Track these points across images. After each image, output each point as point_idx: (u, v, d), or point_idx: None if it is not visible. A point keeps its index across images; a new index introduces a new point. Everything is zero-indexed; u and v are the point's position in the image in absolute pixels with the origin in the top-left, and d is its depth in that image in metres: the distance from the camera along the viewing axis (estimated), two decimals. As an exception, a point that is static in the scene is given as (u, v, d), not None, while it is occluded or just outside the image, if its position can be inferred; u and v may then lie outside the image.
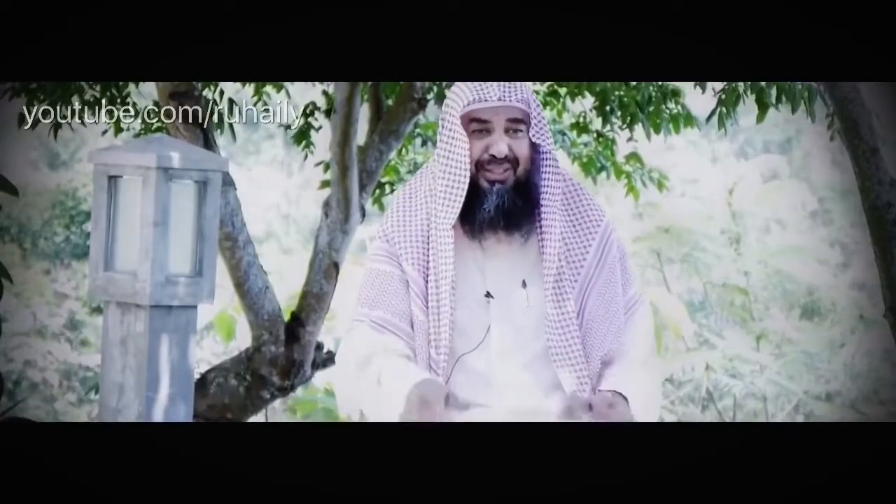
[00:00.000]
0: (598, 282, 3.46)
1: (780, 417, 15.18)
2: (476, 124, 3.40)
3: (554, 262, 3.41)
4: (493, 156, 3.39)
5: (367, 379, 3.38)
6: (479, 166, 3.40)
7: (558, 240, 3.42)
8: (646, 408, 3.42)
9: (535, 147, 3.44)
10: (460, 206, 3.39)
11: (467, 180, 3.39)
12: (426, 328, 3.41)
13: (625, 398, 3.36)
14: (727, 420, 15.50)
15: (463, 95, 3.41)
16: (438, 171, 3.42)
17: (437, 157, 3.45)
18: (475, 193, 3.39)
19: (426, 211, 3.46)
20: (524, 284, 3.43)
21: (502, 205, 3.39)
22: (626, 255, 3.55)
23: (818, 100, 6.05)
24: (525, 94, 3.42)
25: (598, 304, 3.45)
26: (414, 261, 3.44)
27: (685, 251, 15.98)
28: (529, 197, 3.42)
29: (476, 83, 3.42)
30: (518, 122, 3.40)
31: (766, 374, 14.34)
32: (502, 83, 3.42)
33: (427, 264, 3.43)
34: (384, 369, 3.35)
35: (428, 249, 3.44)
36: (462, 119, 3.41)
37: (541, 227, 3.44)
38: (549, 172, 3.44)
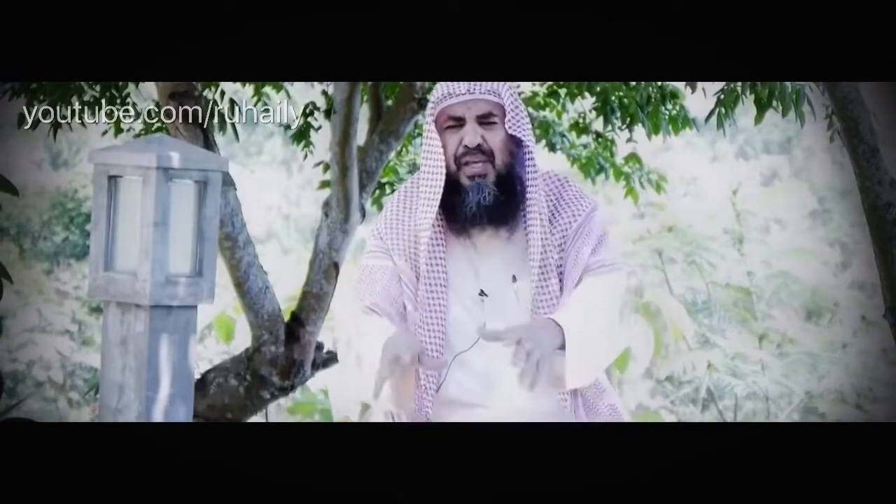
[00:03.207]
0: (573, 248, 3.44)
1: (781, 417, 15.19)
2: (450, 121, 3.43)
3: (538, 254, 3.40)
4: (467, 146, 3.40)
5: (350, 361, 3.40)
6: (458, 163, 3.42)
7: (540, 233, 3.42)
8: (583, 353, 3.32)
9: (515, 140, 3.45)
10: (437, 203, 3.41)
11: (443, 177, 3.41)
12: (415, 321, 3.42)
13: (559, 326, 3.29)
14: (728, 420, 15.51)
15: (435, 93, 3.45)
16: (420, 171, 3.46)
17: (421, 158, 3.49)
18: (456, 190, 3.41)
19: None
20: (514, 279, 3.44)
21: (484, 200, 3.40)
22: (607, 234, 3.50)
23: (806, 104, 6.04)
24: (495, 85, 3.43)
25: (567, 263, 3.43)
26: (406, 256, 3.46)
27: (688, 251, 15.99)
28: (513, 191, 3.43)
29: (448, 81, 3.45)
30: (489, 115, 3.42)
31: (767, 374, 14.34)
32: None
33: (419, 262, 3.45)
34: (362, 345, 3.36)
35: (419, 249, 3.45)
36: (438, 118, 3.44)
37: (525, 220, 3.45)
38: (530, 166, 3.45)
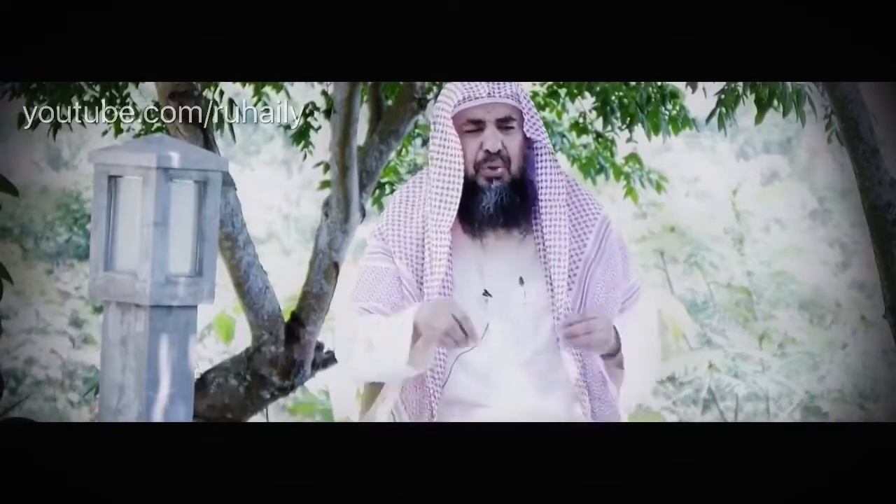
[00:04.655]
0: (598, 271, 3.47)
1: (781, 417, 15.19)
2: (469, 125, 3.41)
3: (564, 257, 3.41)
4: (488, 151, 3.40)
5: (359, 351, 3.38)
6: (476, 166, 3.41)
7: (566, 234, 3.43)
8: (638, 366, 3.41)
9: (528, 143, 3.45)
10: (456, 207, 3.40)
11: (461, 181, 3.40)
12: None
13: (616, 333, 3.37)
14: (729, 420, 15.51)
15: (453, 96, 3.42)
16: (432, 173, 3.43)
17: (430, 159, 3.46)
18: (473, 192, 3.40)
19: (422, 214, 3.46)
20: (521, 281, 3.43)
21: (501, 202, 3.39)
22: (626, 247, 3.56)
23: (807, 103, 6.05)
24: (514, 89, 3.43)
25: (598, 293, 3.46)
26: (408, 260, 3.44)
27: (689, 251, 15.99)
28: (526, 194, 3.43)
29: (465, 83, 3.44)
30: (509, 119, 3.41)
31: (768, 374, 14.34)
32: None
33: (422, 265, 3.43)
34: (371, 331, 3.35)
35: (424, 251, 3.44)
36: (455, 120, 3.41)
37: (540, 223, 3.45)
38: (546, 168, 3.44)
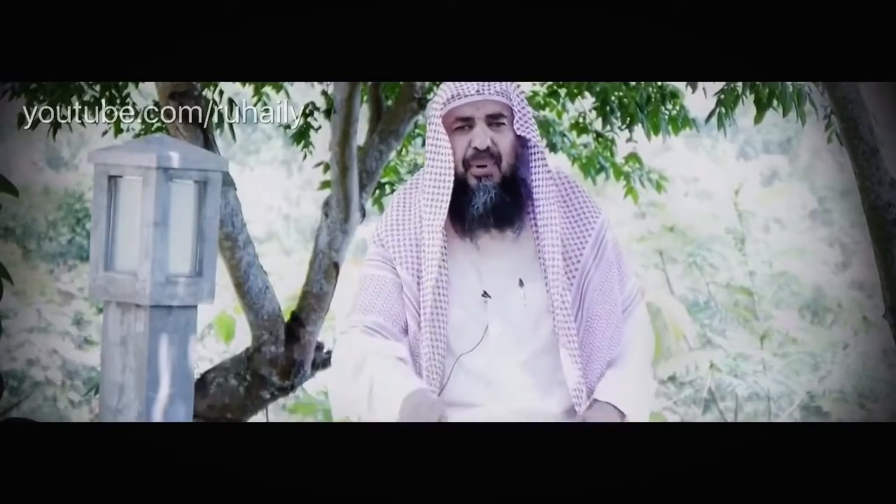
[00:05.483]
0: (596, 277, 3.46)
1: (782, 417, 15.19)
2: (459, 122, 3.41)
3: (558, 255, 3.40)
4: (476, 148, 3.39)
5: (358, 387, 3.39)
6: (466, 164, 3.41)
7: (558, 233, 3.42)
8: (637, 411, 3.44)
9: (521, 141, 3.44)
10: (447, 205, 3.39)
11: (451, 179, 3.39)
12: (417, 334, 3.41)
13: (619, 411, 3.39)
14: (729, 420, 15.51)
15: (443, 94, 3.42)
16: (425, 173, 3.44)
17: (425, 159, 3.47)
18: (463, 191, 3.40)
19: (419, 214, 3.46)
20: (521, 283, 3.43)
21: (490, 201, 3.39)
22: (622, 252, 3.55)
23: (808, 103, 6.05)
24: (504, 86, 3.42)
25: (597, 300, 3.45)
26: (408, 265, 3.44)
27: (689, 251, 15.99)
28: (518, 192, 3.42)
29: (455, 82, 3.44)
30: (499, 116, 3.41)
31: (769, 374, 14.34)
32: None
33: (420, 267, 3.43)
34: (375, 377, 3.35)
35: (420, 252, 3.44)
36: (445, 119, 3.41)
37: (535, 221, 3.44)
38: (537, 166, 3.43)
